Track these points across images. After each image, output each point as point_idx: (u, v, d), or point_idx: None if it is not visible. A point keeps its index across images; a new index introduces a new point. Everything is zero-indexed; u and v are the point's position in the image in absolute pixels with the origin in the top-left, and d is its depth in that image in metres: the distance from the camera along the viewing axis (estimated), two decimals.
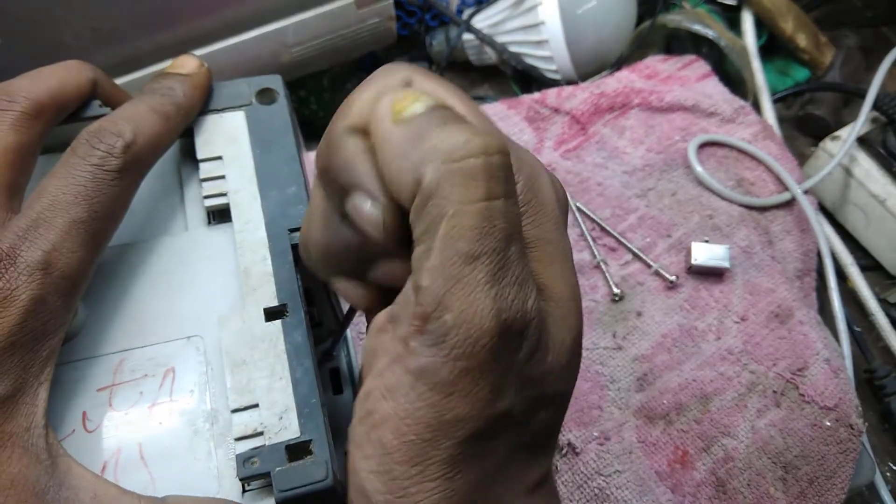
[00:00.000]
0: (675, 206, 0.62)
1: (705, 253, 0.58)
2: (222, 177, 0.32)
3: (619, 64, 0.74)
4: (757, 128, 0.67)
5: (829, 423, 0.52)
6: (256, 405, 0.27)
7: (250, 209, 0.31)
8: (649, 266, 0.58)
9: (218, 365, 0.29)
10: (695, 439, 0.51)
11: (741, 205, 0.62)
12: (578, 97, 0.68)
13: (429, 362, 0.22)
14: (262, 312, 0.29)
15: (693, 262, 0.57)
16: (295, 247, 0.30)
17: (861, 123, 0.64)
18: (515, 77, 0.77)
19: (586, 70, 0.73)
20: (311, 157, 0.44)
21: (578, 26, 0.69)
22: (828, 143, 0.68)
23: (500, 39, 0.73)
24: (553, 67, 0.71)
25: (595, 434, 0.51)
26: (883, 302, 0.64)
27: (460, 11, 0.75)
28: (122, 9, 0.53)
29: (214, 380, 0.29)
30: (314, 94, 0.71)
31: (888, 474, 0.58)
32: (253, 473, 0.26)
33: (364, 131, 0.24)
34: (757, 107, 0.71)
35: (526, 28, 0.70)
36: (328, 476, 0.25)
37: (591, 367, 0.54)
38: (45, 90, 0.28)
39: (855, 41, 0.77)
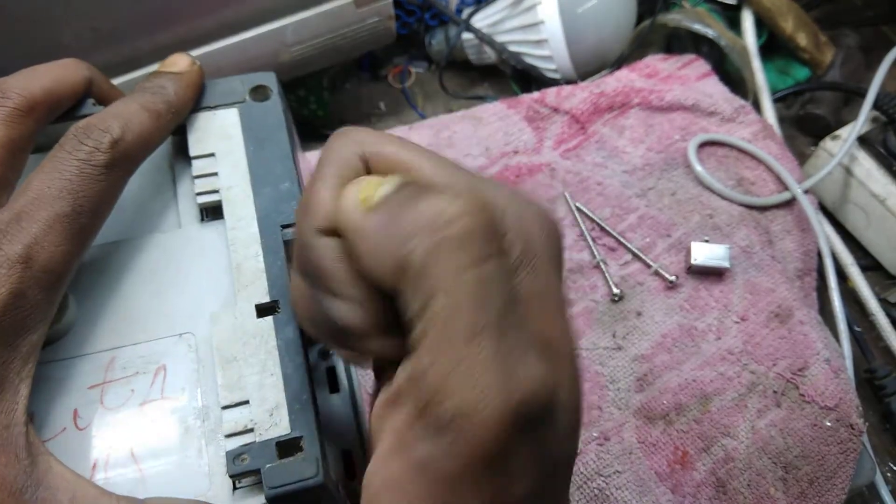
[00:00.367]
0: (675, 206, 0.62)
1: (705, 253, 0.57)
2: (215, 174, 0.32)
3: (618, 63, 0.73)
4: (757, 127, 0.67)
5: (829, 424, 0.51)
6: (247, 402, 0.27)
7: (243, 206, 0.31)
8: (649, 266, 0.58)
9: (209, 362, 0.29)
10: (695, 439, 0.51)
11: (741, 204, 0.62)
12: (578, 96, 0.68)
13: (431, 453, 0.20)
14: (254, 309, 0.29)
15: (693, 261, 0.57)
16: (287, 243, 0.30)
17: (861, 123, 0.64)
18: (515, 76, 0.77)
19: (586, 69, 0.73)
20: (307, 155, 0.44)
21: (578, 25, 0.69)
22: (828, 143, 0.68)
23: (500, 39, 0.72)
24: (552, 66, 0.71)
25: (595, 434, 0.51)
26: (883, 302, 0.63)
27: (460, 11, 0.75)
28: (122, 9, 0.53)
29: (206, 377, 0.29)
30: (313, 93, 0.71)
31: (888, 474, 0.57)
32: (243, 470, 0.25)
33: (333, 231, 0.23)
34: (757, 106, 0.71)
35: (525, 27, 0.70)
36: (318, 473, 0.25)
37: (590, 368, 0.54)
38: (38, 87, 0.28)
39: (855, 40, 0.76)
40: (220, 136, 0.33)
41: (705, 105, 0.67)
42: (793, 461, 0.50)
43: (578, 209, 0.61)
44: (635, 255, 0.59)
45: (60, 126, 0.30)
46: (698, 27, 0.70)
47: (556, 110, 0.68)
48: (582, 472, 0.50)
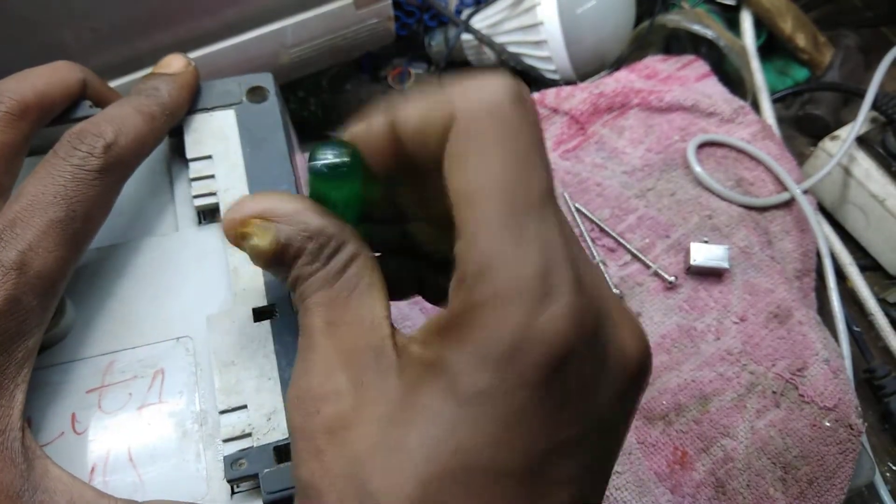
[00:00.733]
0: (675, 207, 0.62)
1: (704, 253, 0.57)
2: (212, 176, 0.32)
3: (618, 64, 0.73)
4: (756, 128, 0.67)
5: (828, 424, 0.51)
6: (245, 406, 0.27)
7: None
8: (648, 266, 0.58)
9: (207, 366, 0.29)
10: (694, 440, 0.51)
11: (740, 205, 0.62)
12: (577, 97, 0.67)
13: (484, 384, 0.19)
14: (252, 312, 0.29)
15: (692, 262, 0.57)
16: None
17: (860, 123, 0.64)
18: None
19: (585, 70, 0.72)
20: (305, 157, 0.44)
21: (577, 26, 0.69)
22: (827, 143, 0.67)
23: (499, 40, 0.72)
24: (552, 67, 0.71)
25: None
26: (882, 302, 0.63)
27: (459, 12, 0.75)
28: (122, 9, 0.53)
29: (203, 381, 0.29)
30: (313, 94, 0.71)
31: (888, 474, 0.57)
32: (240, 475, 0.25)
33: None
34: (756, 107, 0.71)
35: (525, 28, 0.70)
36: None
37: None
38: (31, 90, 0.28)
39: (854, 41, 0.76)
40: (217, 137, 0.33)
41: (704, 106, 0.67)
42: (792, 461, 0.50)
43: (578, 210, 0.61)
44: (634, 256, 0.59)
45: (57, 129, 0.30)
46: (697, 28, 0.70)
47: (555, 111, 0.67)
48: None
